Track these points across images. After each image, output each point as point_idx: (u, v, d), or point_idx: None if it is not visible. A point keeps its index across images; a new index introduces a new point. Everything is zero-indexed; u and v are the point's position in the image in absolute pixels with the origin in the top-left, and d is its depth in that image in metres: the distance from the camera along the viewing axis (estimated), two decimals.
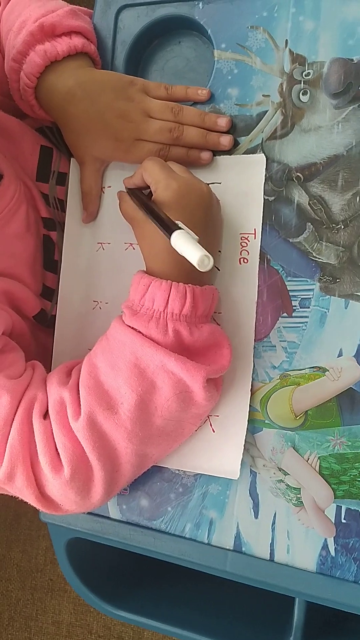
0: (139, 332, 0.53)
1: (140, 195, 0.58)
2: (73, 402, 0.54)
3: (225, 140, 0.60)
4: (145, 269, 0.57)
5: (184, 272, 0.54)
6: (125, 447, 0.54)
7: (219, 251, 0.60)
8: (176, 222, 0.51)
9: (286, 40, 0.58)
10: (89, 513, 0.65)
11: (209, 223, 0.57)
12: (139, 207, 0.57)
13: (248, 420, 0.58)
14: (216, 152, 0.61)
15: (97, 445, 0.53)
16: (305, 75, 0.58)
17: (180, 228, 0.50)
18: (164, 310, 0.53)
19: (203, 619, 0.73)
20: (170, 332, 0.53)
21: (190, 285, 0.53)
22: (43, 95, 0.63)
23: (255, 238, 0.59)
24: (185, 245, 0.48)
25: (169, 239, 0.49)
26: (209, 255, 0.47)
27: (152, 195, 0.56)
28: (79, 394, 0.55)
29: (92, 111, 0.60)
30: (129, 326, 0.54)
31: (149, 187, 0.57)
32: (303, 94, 0.58)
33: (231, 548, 0.59)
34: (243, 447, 0.58)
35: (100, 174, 0.65)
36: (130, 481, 0.59)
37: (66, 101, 0.61)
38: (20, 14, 0.64)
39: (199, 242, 0.48)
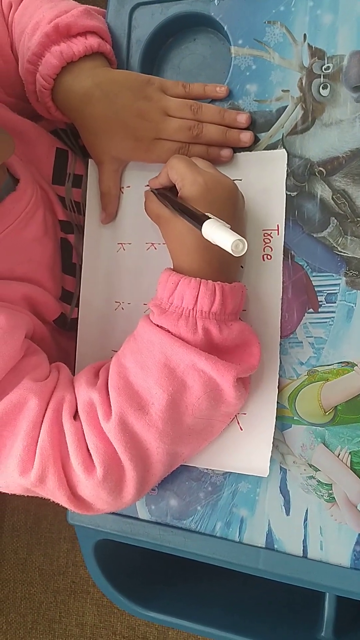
0: (168, 331, 0.53)
1: (167, 193, 0.57)
2: (103, 403, 0.54)
3: (246, 137, 0.59)
4: (171, 267, 0.57)
5: (213, 269, 0.54)
6: (157, 447, 0.54)
7: None
8: (206, 213, 0.51)
9: (304, 34, 0.58)
10: (117, 514, 0.64)
11: (236, 218, 0.57)
12: (166, 204, 0.57)
13: (276, 417, 0.58)
14: (236, 149, 0.60)
15: (129, 446, 0.53)
16: (325, 69, 0.57)
17: (210, 218, 0.49)
18: (193, 308, 0.52)
19: (230, 616, 0.73)
20: (199, 330, 0.53)
21: (219, 282, 0.53)
22: (60, 97, 0.62)
23: (278, 234, 0.58)
24: (218, 232, 0.47)
25: (200, 229, 0.49)
26: (243, 239, 0.46)
27: (177, 193, 0.56)
28: (108, 394, 0.55)
29: (110, 111, 0.60)
30: (158, 325, 0.54)
31: (174, 186, 0.57)
32: (323, 88, 0.57)
33: (263, 546, 0.59)
34: (272, 444, 0.58)
35: (119, 174, 0.65)
36: (160, 479, 0.58)
37: (84, 102, 0.61)
38: (32, 15, 0.64)
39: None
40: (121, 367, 0.55)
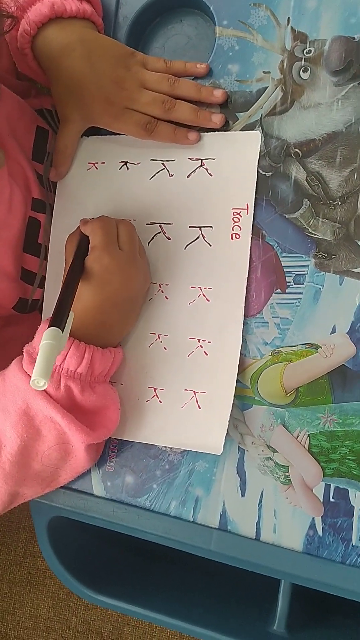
0: None
1: (79, 252, 0.57)
2: None
3: (217, 118, 0.59)
4: None
5: (98, 329, 0.56)
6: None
7: (210, 226, 0.59)
8: (69, 314, 0.51)
9: (288, 17, 0.58)
10: (72, 490, 0.63)
11: (124, 309, 0.58)
12: (71, 260, 0.57)
13: (238, 397, 0.57)
14: (212, 129, 0.60)
15: None
16: (307, 53, 0.58)
17: (60, 326, 0.49)
18: (59, 365, 0.54)
19: (185, 606, 0.72)
20: (62, 388, 0.54)
21: (91, 346, 0.55)
22: (40, 45, 0.60)
23: (247, 213, 0.58)
24: (41, 353, 0.47)
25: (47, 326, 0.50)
26: (41, 382, 0.46)
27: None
28: None
29: (88, 71, 0.59)
30: (26, 372, 0.55)
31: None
32: (303, 71, 0.58)
33: (216, 526, 0.58)
34: (227, 422, 0.57)
35: (79, 136, 0.64)
36: None
37: (64, 54, 0.59)
38: None
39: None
40: None
